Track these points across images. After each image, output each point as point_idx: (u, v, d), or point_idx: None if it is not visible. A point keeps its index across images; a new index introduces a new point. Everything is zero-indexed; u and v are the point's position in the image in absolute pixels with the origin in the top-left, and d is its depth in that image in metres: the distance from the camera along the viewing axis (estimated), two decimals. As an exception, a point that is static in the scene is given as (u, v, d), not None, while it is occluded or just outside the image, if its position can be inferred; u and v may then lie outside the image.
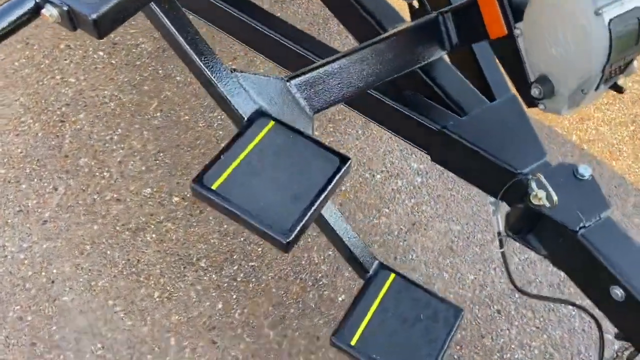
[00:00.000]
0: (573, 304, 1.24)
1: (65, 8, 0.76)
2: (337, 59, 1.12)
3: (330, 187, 0.95)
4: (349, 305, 1.16)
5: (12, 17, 0.76)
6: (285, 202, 0.93)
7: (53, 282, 1.69)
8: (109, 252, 1.74)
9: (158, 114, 2.01)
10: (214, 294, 1.68)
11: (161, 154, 1.92)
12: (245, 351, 1.59)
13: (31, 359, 1.57)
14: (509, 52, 1.13)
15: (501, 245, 1.25)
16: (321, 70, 1.10)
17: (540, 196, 1.11)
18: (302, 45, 1.32)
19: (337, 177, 0.96)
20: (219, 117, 2.01)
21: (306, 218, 0.92)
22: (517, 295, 1.68)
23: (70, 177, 1.86)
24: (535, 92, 1.12)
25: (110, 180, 1.86)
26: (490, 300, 1.67)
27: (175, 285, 1.69)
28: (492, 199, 1.28)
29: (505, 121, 1.30)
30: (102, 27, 0.76)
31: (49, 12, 0.77)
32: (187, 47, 0.99)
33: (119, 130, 1.96)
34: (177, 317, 1.64)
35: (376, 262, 1.23)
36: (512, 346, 1.60)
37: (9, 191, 1.83)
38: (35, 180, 1.86)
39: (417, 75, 1.31)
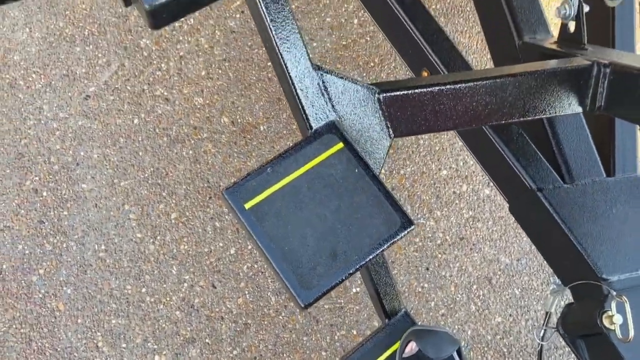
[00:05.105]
0: None
1: None
2: (447, 82, 0.89)
3: (375, 253, 0.79)
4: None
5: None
6: (321, 255, 0.77)
7: (78, 164, 1.61)
8: (140, 153, 1.63)
9: (237, 16, 1.79)
10: (230, 237, 1.57)
11: (226, 63, 1.73)
12: (242, 307, 1.52)
13: (35, 236, 1.53)
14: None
15: (543, 337, 1.09)
16: (421, 90, 0.88)
17: (615, 321, 0.92)
18: (434, 48, 1.08)
19: (389, 243, 0.79)
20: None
21: (334, 283, 0.77)
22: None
23: (127, 56, 1.71)
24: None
25: (166, 74, 1.70)
26: (508, 351, 1.53)
27: (195, 213, 1.59)
28: (559, 282, 1.09)
29: (614, 204, 1.06)
30: (158, 19, 0.65)
31: None
32: (270, 27, 0.78)
33: (191, 20, 1.76)
34: (186, 247, 1.56)
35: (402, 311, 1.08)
36: (511, 406, 1.48)
37: (62, 50, 1.70)
38: (91, 47, 1.71)
39: (538, 121, 1.07)
